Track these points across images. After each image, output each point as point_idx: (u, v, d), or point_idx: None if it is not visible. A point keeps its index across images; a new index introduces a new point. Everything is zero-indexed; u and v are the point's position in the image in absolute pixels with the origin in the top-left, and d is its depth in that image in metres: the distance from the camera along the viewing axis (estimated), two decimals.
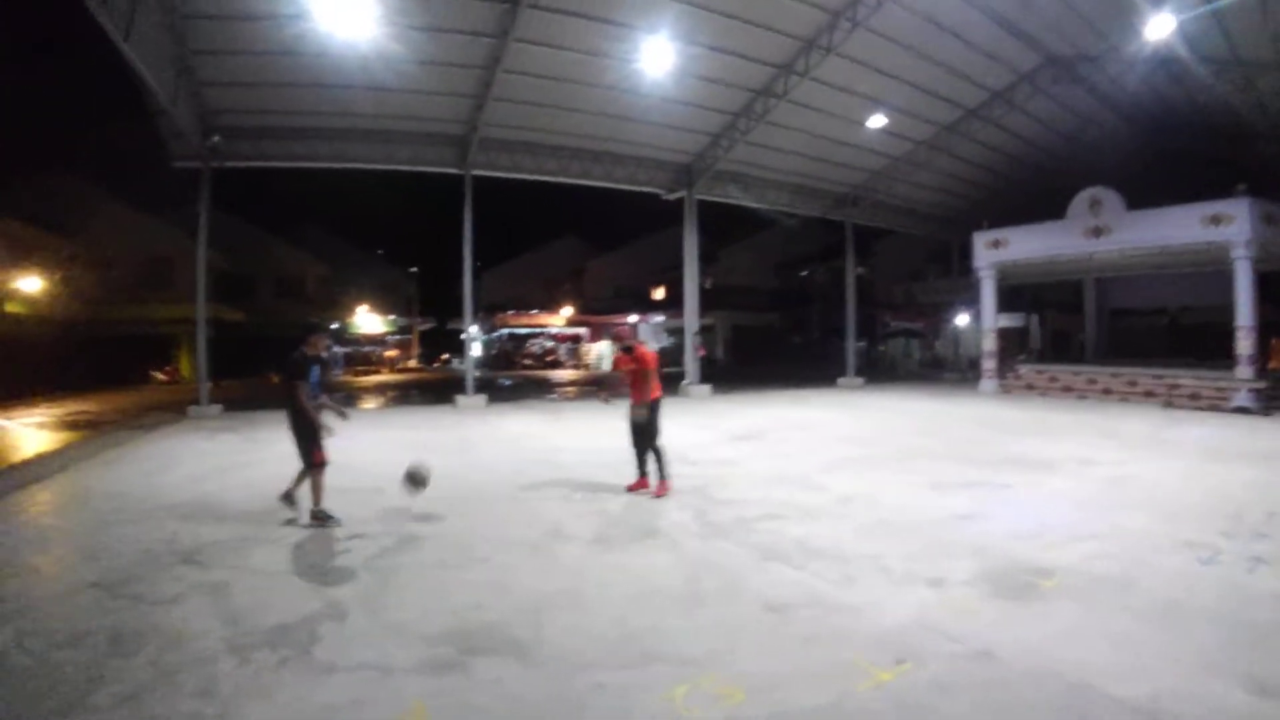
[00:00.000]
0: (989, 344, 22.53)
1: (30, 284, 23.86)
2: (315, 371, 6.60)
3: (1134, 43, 16.26)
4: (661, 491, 7.65)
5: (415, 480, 6.81)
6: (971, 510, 6.89)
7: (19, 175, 28.17)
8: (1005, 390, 21.72)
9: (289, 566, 5.38)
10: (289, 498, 6.65)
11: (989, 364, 22.33)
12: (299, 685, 3.53)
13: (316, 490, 6.50)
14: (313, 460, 6.45)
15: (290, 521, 6.55)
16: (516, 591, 4.77)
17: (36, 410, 18.86)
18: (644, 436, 7.68)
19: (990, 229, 22.34)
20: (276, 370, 32.33)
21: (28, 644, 4.06)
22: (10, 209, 24.49)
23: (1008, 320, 24.95)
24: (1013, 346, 26.08)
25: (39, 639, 4.12)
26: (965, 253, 26.99)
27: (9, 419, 16.86)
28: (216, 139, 16.43)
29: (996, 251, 22.04)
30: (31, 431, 14.72)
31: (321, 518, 6.46)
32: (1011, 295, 23.45)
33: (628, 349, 7.92)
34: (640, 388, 7.67)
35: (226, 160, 17.24)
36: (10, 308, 23.23)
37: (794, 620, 4.28)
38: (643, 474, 7.89)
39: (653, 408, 7.61)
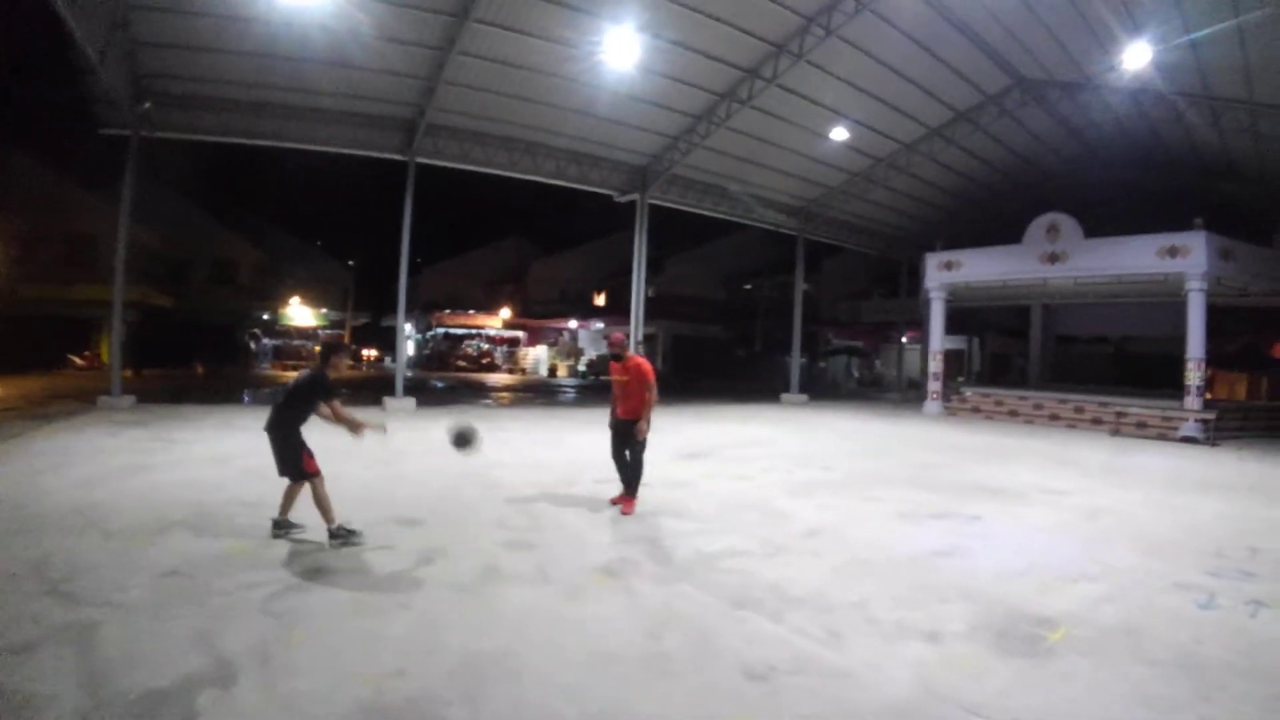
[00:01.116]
0: (935, 365, 22.40)
1: None
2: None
3: (1107, 71, 16.22)
4: (628, 509, 7.26)
5: (463, 442, 6.38)
6: (949, 545, 6.42)
7: None
8: (950, 412, 21.64)
9: (173, 604, 4.45)
10: (283, 524, 5.94)
11: (934, 385, 22.21)
12: None
13: (325, 506, 5.78)
14: (307, 470, 5.74)
15: (285, 535, 5.93)
16: (446, 651, 3.94)
17: None
18: (633, 451, 7.36)
19: (944, 250, 22.23)
20: (203, 361, 31.35)
21: None
22: None
23: (949, 342, 24.97)
24: (951, 368, 26.16)
25: None
26: (914, 272, 27.06)
27: None
28: (148, 105, 15.25)
29: (949, 273, 21.93)
30: None
31: (343, 535, 5.78)
32: (953, 317, 23.44)
33: (617, 357, 7.46)
34: (631, 399, 7.29)
35: (157, 130, 16.06)
36: None
37: (783, 691, 3.61)
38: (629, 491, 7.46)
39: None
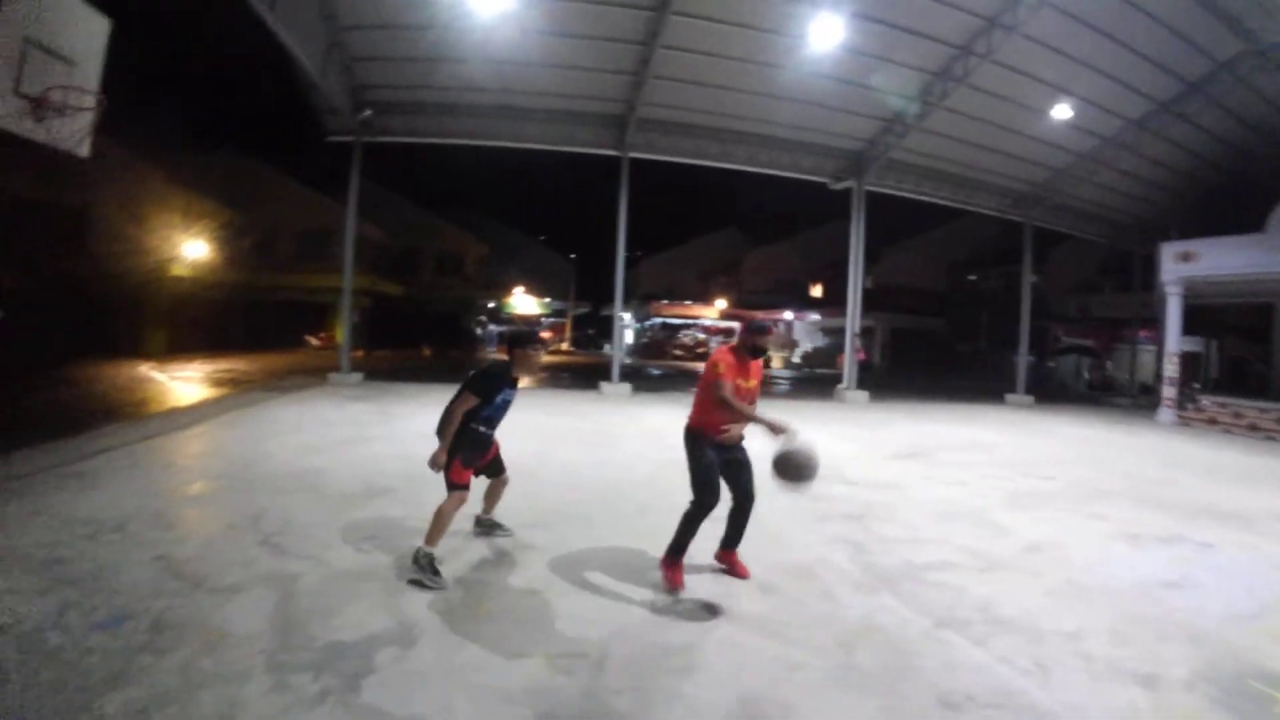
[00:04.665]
0: (1170, 369, 19.93)
1: (195, 250, 25.35)
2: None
3: None
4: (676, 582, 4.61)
5: (789, 468, 4.40)
6: (1175, 576, 5.49)
7: (188, 151, 30.14)
8: (1184, 422, 19.10)
9: (371, 566, 4.66)
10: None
11: (1169, 392, 19.78)
12: None
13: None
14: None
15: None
16: (625, 637, 3.81)
17: (191, 366, 19.76)
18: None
19: (1179, 239, 19.75)
20: (430, 344, 34.01)
21: (67, 619, 3.66)
22: (179, 182, 26.11)
23: (1185, 344, 22.14)
24: (1187, 373, 23.20)
25: (81, 615, 3.72)
26: (1148, 264, 24.35)
27: (161, 371, 17.66)
28: (368, 113, 16.50)
29: (1185, 265, 19.35)
30: (177, 385, 15.23)
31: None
32: (1190, 316, 20.70)
33: (756, 351, 4.93)
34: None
35: (379, 135, 17.36)
36: (176, 271, 24.68)
37: None
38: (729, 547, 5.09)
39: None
